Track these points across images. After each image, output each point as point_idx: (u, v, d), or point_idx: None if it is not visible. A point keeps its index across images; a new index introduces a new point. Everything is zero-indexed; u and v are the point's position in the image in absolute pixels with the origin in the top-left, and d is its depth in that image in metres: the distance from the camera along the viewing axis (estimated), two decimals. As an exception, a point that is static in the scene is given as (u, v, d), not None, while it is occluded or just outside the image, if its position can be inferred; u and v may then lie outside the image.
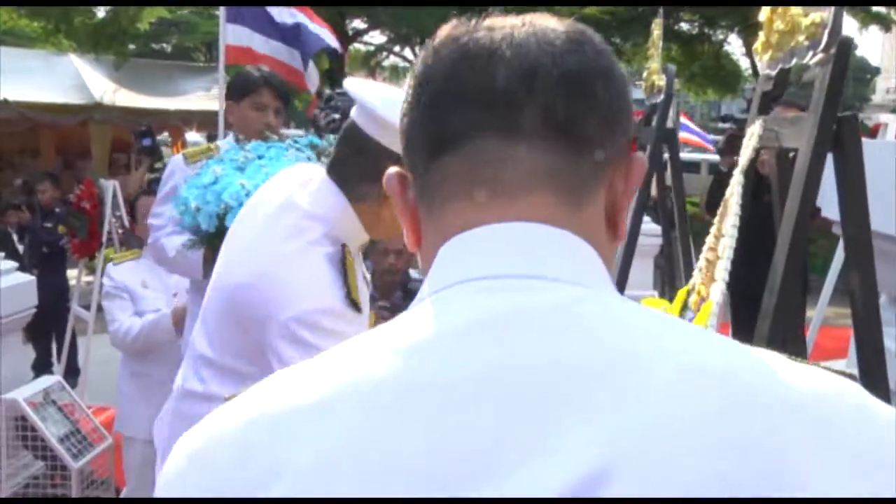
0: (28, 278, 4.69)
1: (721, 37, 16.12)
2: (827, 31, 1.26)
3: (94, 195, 6.61)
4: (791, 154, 1.42)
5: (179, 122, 13.42)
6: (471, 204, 0.63)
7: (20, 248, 8.49)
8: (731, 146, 4.34)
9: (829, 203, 2.94)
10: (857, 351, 1.33)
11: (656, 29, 2.87)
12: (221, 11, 6.39)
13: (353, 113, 1.55)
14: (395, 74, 19.30)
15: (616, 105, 0.63)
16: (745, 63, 17.60)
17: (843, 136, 1.28)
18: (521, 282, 0.60)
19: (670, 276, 3.22)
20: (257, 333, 1.50)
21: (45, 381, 4.32)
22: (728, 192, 1.50)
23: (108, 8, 15.92)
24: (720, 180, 4.76)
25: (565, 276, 0.60)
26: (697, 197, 12.69)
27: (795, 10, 1.37)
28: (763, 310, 1.32)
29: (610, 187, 0.64)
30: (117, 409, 3.58)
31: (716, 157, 12.19)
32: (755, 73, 15.22)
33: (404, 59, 19.47)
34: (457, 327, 0.58)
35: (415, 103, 0.65)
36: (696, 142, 14.91)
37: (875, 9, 14.54)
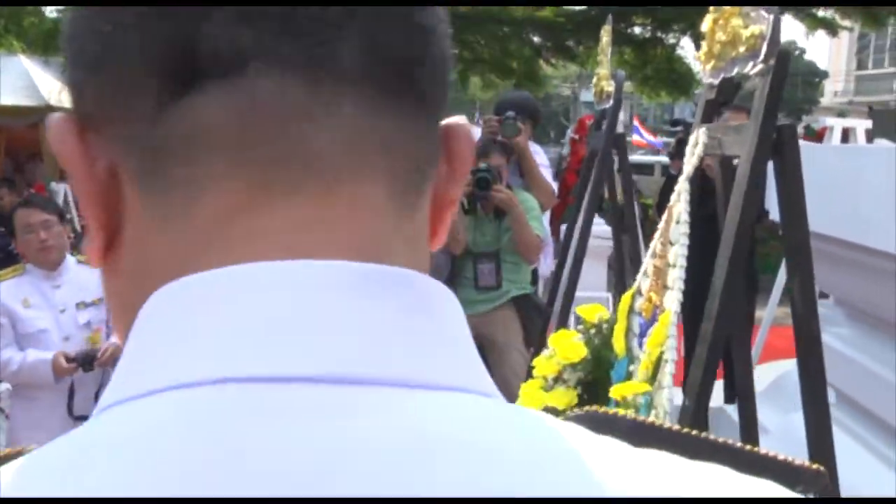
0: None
1: (673, 40, 16.35)
2: (766, 43, 1.30)
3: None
4: (734, 161, 1.45)
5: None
6: (249, 193, 0.34)
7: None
8: (680, 150, 4.42)
9: (776, 206, 3.03)
10: (798, 353, 1.37)
11: (605, 35, 2.92)
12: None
13: None
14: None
15: (447, 55, 0.41)
16: (697, 66, 17.87)
17: (782, 144, 1.32)
18: (335, 393, 0.31)
19: (620, 279, 3.26)
20: None
21: None
22: (673, 198, 1.53)
23: (58, 9, 15.64)
24: (670, 184, 4.83)
25: (421, 374, 0.33)
26: (651, 199, 12.88)
27: (736, 22, 1.40)
28: (706, 313, 1.35)
29: (437, 172, 0.41)
30: (7, 434, 3.41)
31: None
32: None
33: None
34: None
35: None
36: (644, 143, 15.14)
37: (821, 14, 14.87)
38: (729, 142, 1.46)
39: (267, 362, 0.31)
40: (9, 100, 12.13)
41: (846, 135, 5.03)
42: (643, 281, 1.61)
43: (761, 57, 1.31)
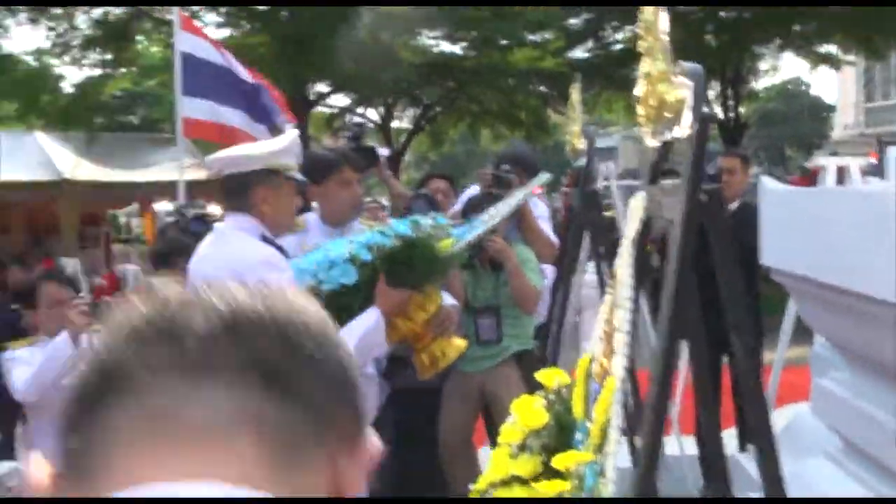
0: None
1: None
2: (688, 109, 1.32)
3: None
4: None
5: (151, 193, 13.49)
6: (139, 458, 0.48)
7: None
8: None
9: (766, 251, 3.01)
10: (742, 403, 1.36)
11: (574, 93, 2.95)
12: (177, 85, 6.48)
13: None
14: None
15: (340, 372, 0.54)
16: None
17: (712, 208, 1.33)
18: None
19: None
20: None
21: (1, 467, 4.35)
22: (617, 262, 1.54)
23: (74, 84, 16.09)
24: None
25: None
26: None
27: (662, 87, 1.42)
28: (652, 375, 1.35)
29: (333, 462, 0.52)
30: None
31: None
32: (714, 119, 15.60)
33: (367, 119, 19.68)
34: None
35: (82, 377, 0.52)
36: None
37: (823, 49, 14.96)
38: (666, 204, 1.47)
39: None
40: (26, 175, 12.39)
41: (841, 173, 5.01)
42: (597, 345, 1.61)
43: (684, 123, 1.33)
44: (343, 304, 2.58)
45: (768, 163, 32.24)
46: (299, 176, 2.68)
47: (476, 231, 2.74)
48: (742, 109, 16.77)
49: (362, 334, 2.54)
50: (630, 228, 1.53)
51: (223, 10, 14.16)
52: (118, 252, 16.34)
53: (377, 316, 2.56)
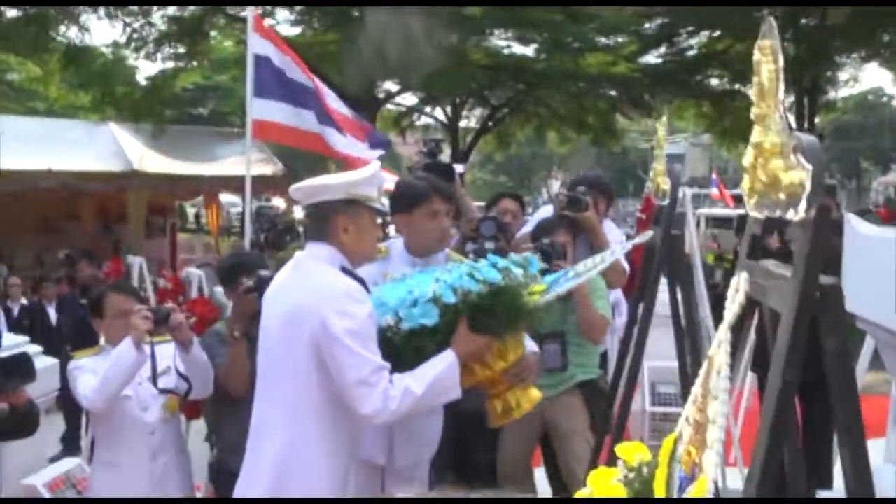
0: (51, 362, 4.75)
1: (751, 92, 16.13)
2: (805, 195, 1.19)
3: (121, 272, 6.72)
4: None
5: (217, 185, 13.69)
6: None
7: (54, 320, 8.67)
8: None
9: (851, 297, 2.83)
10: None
11: (660, 129, 2.81)
12: (248, 86, 6.49)
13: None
14: (427, 133, 19.50)
15: None
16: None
17: (827, 304, 1.21)
18: None
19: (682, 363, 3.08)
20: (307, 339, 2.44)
21: (67, 464, 4.47)
22: (713, 348, 1.42)
23: (147, 78, 16.42)
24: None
25: None
26: (731, 254, 12.53)
27: (776, 164, 1.30)
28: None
29: None
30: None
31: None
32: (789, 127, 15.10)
33: (435, 118, 19.64)
34: None
35: None
36: (719, 196, 14.81)
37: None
38: (770, 292, 1.34)
39: None
40: (98, 165, 12.65)
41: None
42: (685, 429, 1.50)
43: (801, 207, 1.21)
44: (419, 344, 2.50)
45: (842, 175, 31.16)
46: (381, 206, 2.64)
47: (570, 283, 2.63)
48: (817, 120, 16.26)
49: (435, 378, 2.45)
50: (729, 313, 1.41)
51: (296, 8, 14.25)
52: (184, 242, 16.64)
53: (452, 359, 2.47)
